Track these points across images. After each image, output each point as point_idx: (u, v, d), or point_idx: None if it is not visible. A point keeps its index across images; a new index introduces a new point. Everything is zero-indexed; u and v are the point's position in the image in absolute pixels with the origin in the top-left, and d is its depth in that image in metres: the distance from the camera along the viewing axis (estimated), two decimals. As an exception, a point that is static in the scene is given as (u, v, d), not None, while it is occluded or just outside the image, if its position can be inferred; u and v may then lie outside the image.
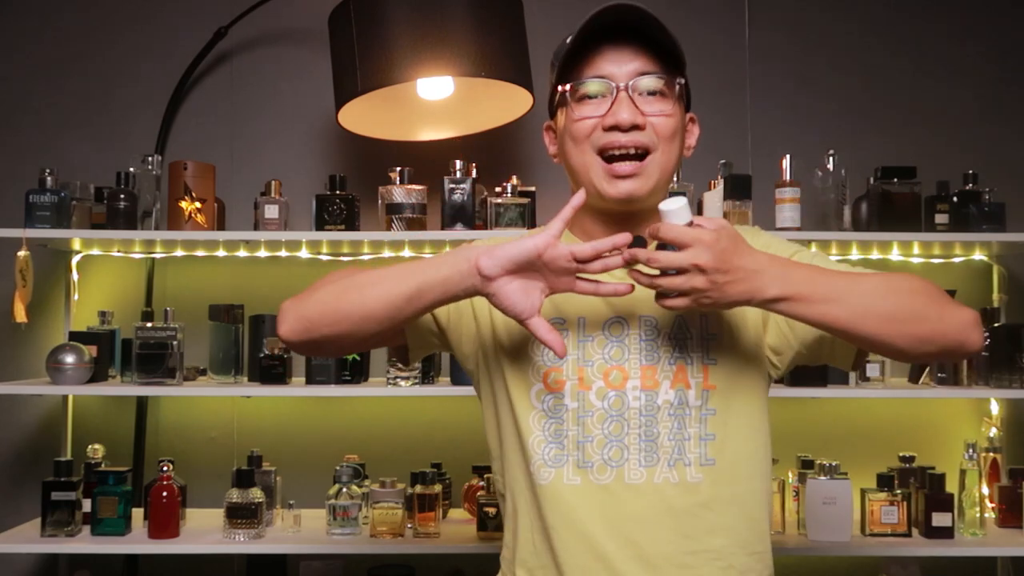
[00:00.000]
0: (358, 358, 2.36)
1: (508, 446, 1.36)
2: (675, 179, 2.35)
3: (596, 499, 1.29)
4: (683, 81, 1.32)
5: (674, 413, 1.29)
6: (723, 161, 2.41)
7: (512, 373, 1.35)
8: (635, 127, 1.28)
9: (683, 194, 1.21)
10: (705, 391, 1.30)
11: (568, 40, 1.32)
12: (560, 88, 1.33)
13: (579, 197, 1.23)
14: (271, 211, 2.37)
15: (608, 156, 1.30)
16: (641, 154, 1.29)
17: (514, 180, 2.39)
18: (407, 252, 2.53)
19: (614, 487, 1.29)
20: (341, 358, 2.33)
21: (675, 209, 1.19)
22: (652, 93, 1.30)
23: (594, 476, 1.29)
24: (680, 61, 1.32)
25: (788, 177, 2.35)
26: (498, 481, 1.41)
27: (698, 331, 1.31)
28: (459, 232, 2.31)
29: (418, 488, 2.31)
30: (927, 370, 2.38)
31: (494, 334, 1.37)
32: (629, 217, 1.35)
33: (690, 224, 1.18)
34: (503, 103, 2.34)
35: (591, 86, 1.30)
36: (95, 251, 2.61)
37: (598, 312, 1.33)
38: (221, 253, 2.59)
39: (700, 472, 1.29)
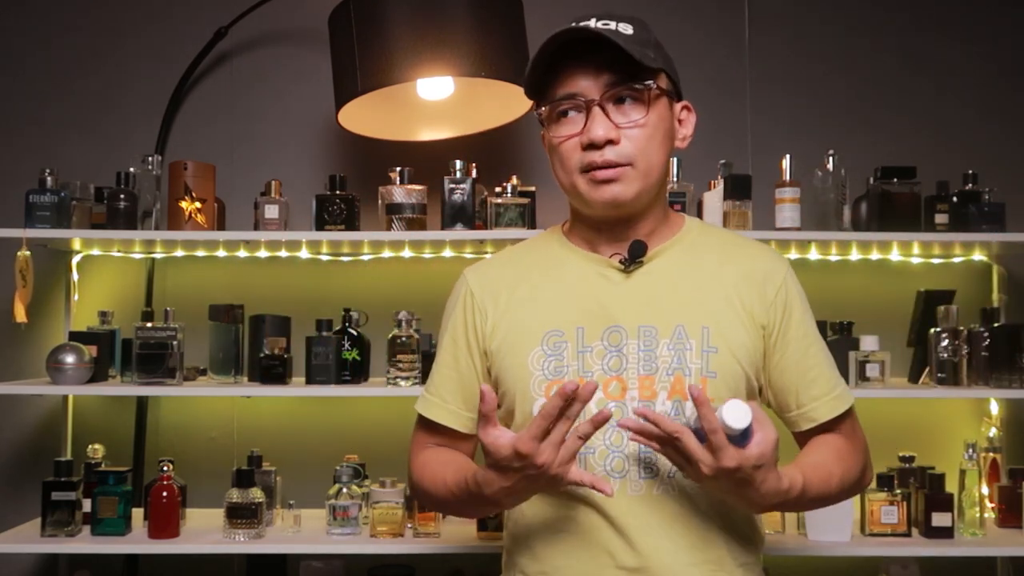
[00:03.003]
0: (358, 358, 2.36)
1: None
2: (675, 180, 2.35)
3: (599, 511, 1.29)
4: (652, 84, 1.30)
5: None
6: (723, 161, 2.41)
7: (514, 389, 1.34)
8: (610, 142, 1.28)
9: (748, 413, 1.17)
10: None
11: (530, 62, 1.32)
12: (536, 111, 1.34)
13: (487, 399, 1.20)
14: (271, 211, 2.37)
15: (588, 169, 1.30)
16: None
17: (514, 180, 2.39)
18: (407, 252, 2.53)
19: (616, 499, 1.28)
20: (341, 358, 2.33)
21: (736, 413, 1.15)
22: (624, 100, 1.30)
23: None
24: (647, 67, 1.29)
25: (788, 177, 2.35)
26: None
27: (699, 343, 1.30)
28: (459, 232, 2.31)
29: (418, 488, 2.31)
30: (927, 370, 2.38)
31: (492, 356, 1.37)
32: (622, 222, 1.35)
33: (742, 434, 1.15)
34: (503, 103, 2.34)
35: (563, 105, 1.31)
36: (95, 251, 2.61)
37: (597, 320, 1.33)
38: (221, 253, 2.59)
39: (696, 484, 1.29)
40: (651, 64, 1.29)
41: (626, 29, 1.29)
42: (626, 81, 1.28)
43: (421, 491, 1.41)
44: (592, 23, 1.28)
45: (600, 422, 1.18)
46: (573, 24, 1.28)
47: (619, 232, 1.36)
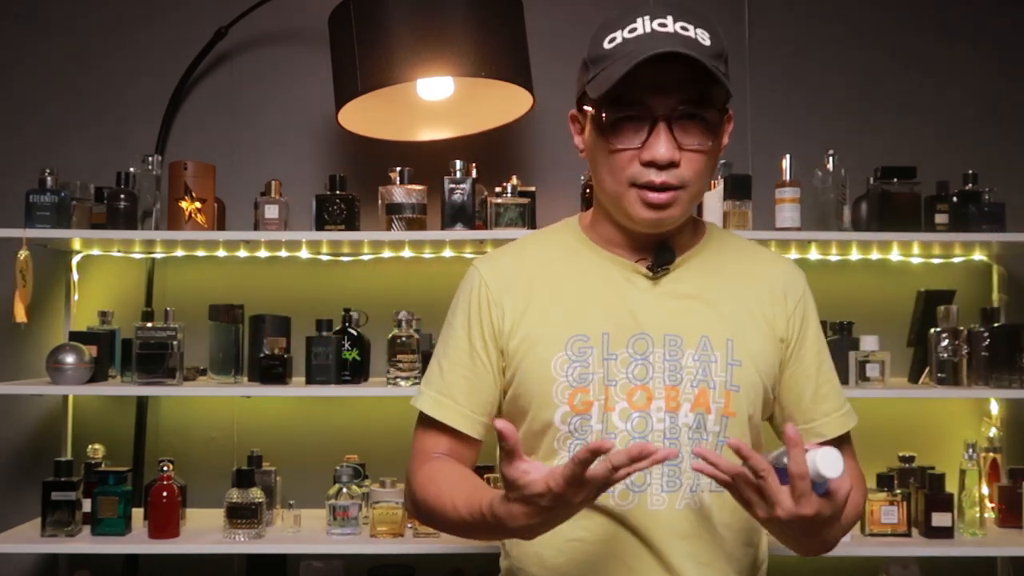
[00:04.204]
0: (358, 358, 2.36)
1: None
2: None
3: (617, 525, 1.26)
4: (728, 113, 1.26)
5: (692, 437, 1.26)
6: (723, 161, 2.40)
7: (534, 393, 1.30)
8: (671, 164, 1.22)
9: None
10: (725, 417, 1.27)
11: (609, 70, 1.21)
12: (595, 110, 1.25)
13: (509, 436, 1.08)
14: (271, 211, 2.37)
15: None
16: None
17: (514, 180, 2.39)
18: (407, 252, 2.54)
19: (636, 513, 1.25)
20: (341, 358, 2.33)
21: (830, 463, 1.09)
22: (692, 121, 1.22)
23: (615, 502, 1.25)
24: (725, 94, 1.24)
25: (788, 177, 2.35)
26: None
27: (724, 355, 1.28)
28: (459, 232, 2.31)
29: (418, 488, 2.31)
30: (927, 370, 2.38)
31: (510, 357, 1.32)
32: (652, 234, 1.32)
33: (824, 482, 1.10)
34: (503, 103, 2.34)
35: (629, 114, 1.22)
36: (95, 251, 2.61)
37: (623, 326, 1.28)
38: (221, 253, 2.59)
39: (712, 498, 1.27)
40: (726, 84, 1.22)
41: (704, 38, 1.21)
42: (697, 100, 1.22)
43: (425, 508, 1.29)
44: (669, 23, 1.21)
45: (638, 456, 1.05)
46: (649, 20, 1.21)
47: (648, 237, 1.31)
